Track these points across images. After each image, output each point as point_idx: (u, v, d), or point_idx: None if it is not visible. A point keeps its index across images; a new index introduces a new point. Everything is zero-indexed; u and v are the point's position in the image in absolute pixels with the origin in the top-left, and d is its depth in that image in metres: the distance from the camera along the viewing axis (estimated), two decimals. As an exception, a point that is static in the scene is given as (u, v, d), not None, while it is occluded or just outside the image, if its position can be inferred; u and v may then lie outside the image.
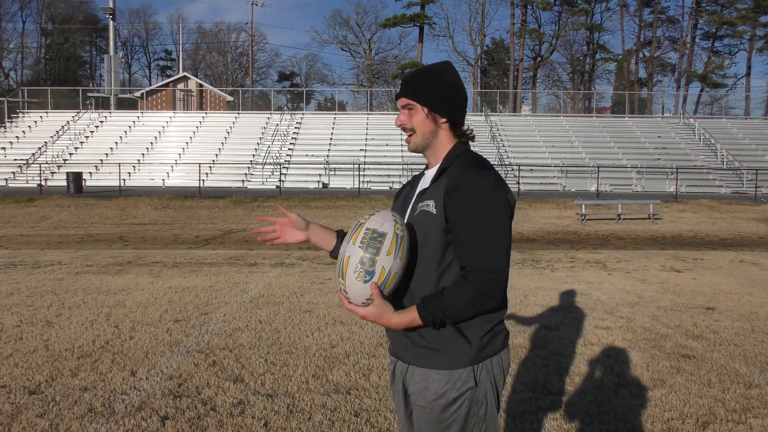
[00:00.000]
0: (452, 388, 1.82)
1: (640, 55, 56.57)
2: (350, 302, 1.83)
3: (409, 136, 1.98)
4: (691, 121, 38.33)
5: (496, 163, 30.83)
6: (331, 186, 30.07)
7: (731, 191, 29.10)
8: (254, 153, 33.05)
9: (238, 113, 38.83)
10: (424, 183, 1.99)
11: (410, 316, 1.81)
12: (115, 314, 6.34)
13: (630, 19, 57.05)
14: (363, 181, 28.75)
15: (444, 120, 1.95)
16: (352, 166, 30.19)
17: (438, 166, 1.95)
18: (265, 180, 30.09)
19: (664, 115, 47.14)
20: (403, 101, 1.97)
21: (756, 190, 27.21)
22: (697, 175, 30.91)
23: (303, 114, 39.43)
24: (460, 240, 1.81)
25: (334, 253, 2.15)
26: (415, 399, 1.89)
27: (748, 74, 55.21)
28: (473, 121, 36.61)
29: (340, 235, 2.18)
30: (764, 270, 9.89)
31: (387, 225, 1.80)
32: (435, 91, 1.93)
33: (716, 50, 55.92)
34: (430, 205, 1.85)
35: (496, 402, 1.89)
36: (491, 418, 1.87)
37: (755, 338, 5.64)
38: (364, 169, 29.96)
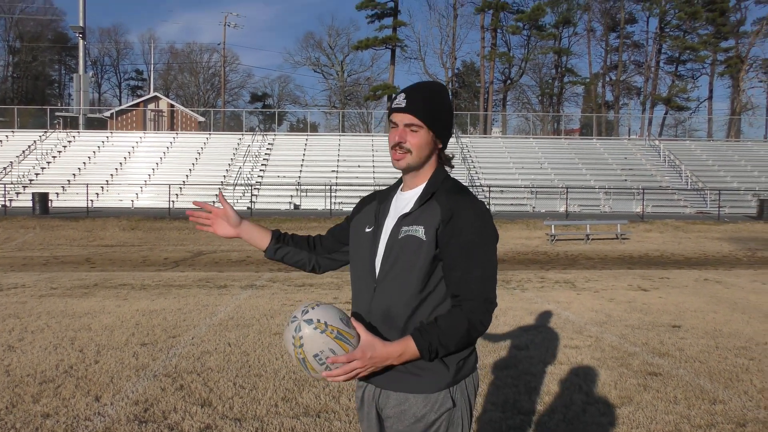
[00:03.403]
0: (431, 410, 1.81)
1: (607, 79, 57.97)
2: (332, 363, 1.72)
3: (403, 154, 1.90)
4: (656, 142, 39.23)
5: (467, 184, 31.09)
6: (302, 207, 29.99)
7: (695, 211, 29.76)
8: (225, 174, 32.86)
9: (210, 134, 38.62)
10: (402, 204, 1.95)
11: (403, 344, 1.76)
12: (80, 338, 6.20)
13: (597, 44, 58.69)
14: (334, 203, 28.73)
15: (440, 146, 1.95)
16: (323, 187, 30.17)
17: (421, 188, 1.93)
18: (236, 201, 29.88)
19: (631, 137, 48.12)
20: (407, 118, 1.88)
21: (719, 210, 27.87)
22: (663, 195, 31.58)
23: (275, 135, 39.37)
24: (454, 267, 1.80)
25: (268, 252, 2.18)
26: (392, 423, 1.86)
27: (710, 98, 56.91)
28: (444, 142, 36.92)
29: (275, 235, 2.18)
30: (728, 288, 10.11)
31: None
32: (442, 117, 1.90)
33: (680, 74, 57.55)
34: (419, 231, 1.82)
35: (470, 421, 1.90)
36: None
37: (719, 355, 5.75)
38: (336, 190, 29.96)
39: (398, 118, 1.89)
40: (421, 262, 1.81)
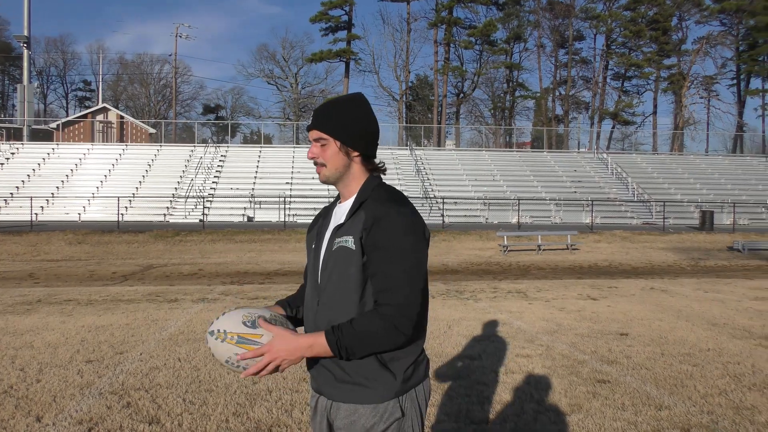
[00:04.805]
0: (380, 420, 1.82)
1: (557, 93, 59.37)
2: (243, 361, 1.82)
3: (320, 168, 1.97)
4: (604, 155, 40.37)
5: (421, 196, 31.33)
6: (256, 219, 29.66)
7: (642, 222, 30.66)
8: (177, 186, 32.25)
9: (161, 145, 37.90)
10: (338, 217, 1.97)
11: (313, 337, 1.81)
12: (21, 356, 5.97)
13: (546, 60, 60.08)
14: (289, 215, 28.52)
15: (356, 154, 1.96)
16: (277, 199, 29.94)
17: (353, 199, 1.95)
18: (188, 214, 29.35)
19: (580, 150, 49.41)
20: (314, 134, 1.95)
21: (664, 221, 28.81)
22: (611, 206, 32.43)
23: (228, 147, 38.92)
24: (375, 273, 1.81)
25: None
26: None
27: (654, 112, 59.06)
28: (399, 155, 37.18)
29: (282, 304, 2.17)
30: (673, 297, 10.42)
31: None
32: (347, 126, 1.93)
33: (626, 90, 59.42)
34: (349, 241, 1.84)
35: (421, 429, 1.91)
36: None
37: (665, 362, 5.91)
38: (290, 202, 29.76)
39: (310, 135, 1.98)
40: (353, 271, 1.84)
